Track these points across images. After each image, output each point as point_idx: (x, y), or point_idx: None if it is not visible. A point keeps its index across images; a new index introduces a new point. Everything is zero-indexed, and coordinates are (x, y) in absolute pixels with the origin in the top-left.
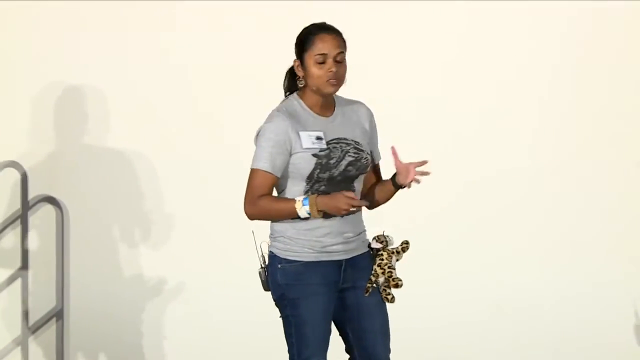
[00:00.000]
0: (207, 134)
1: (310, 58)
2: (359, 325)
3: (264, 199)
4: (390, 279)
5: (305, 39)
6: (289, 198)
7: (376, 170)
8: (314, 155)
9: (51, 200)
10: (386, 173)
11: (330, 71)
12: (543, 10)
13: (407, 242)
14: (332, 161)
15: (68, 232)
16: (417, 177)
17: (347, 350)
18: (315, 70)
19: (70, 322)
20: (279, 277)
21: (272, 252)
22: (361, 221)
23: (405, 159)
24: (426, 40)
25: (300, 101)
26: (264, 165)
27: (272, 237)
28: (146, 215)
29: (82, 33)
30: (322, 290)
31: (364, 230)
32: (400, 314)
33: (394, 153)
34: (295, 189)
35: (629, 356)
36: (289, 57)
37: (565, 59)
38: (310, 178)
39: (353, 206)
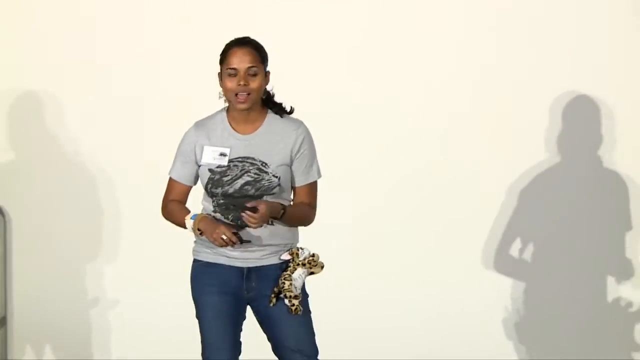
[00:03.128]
0: (165, 136)
1: (224, 71)
2: (272, 335)
3: (170, 204)
4: (282, 289)
5: (222, 53)
6: (186, 210)
7: (306, 190)
8: (209, 170)
9: None
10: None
11: (239, 84)
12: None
13: (313, 255)
14: (225, 178)
15: (11, 239)
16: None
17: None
18: (227, 84)
19: (13, 330)
20: (190, 276)
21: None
22: (279, 234)
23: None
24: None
25: (224, 115)
26: (172, 173)
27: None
28: (90, 223)
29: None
30: (216, 290)
31: (282, 244)
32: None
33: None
34: (206, 198)
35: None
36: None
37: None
38: (207, 191)
39: (225, 241)
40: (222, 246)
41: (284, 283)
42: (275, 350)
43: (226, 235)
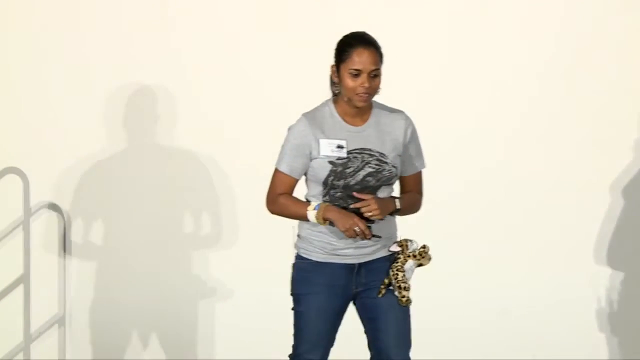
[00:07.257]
0: (212, 135)
1: (345, 70)
2: (373, 325)
3: (282, 197)
4: (395, 281)
5: (343, 49)
6: (304, 201)
7: (415, 179)
8: (330, 162)
9: (53, 206)
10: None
11: (363, 86)
12: (537, 7)
13: (424, 246)
14: (348, 170)
15: (70, 238)
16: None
17: (370, 347)
18: (349, 82)
19: (72, 329)
20: (293, 272)
21: (296, 249)
22: (386, 226)
23: None
24: (419, 38)
25: (332, 107)
26: (282, 167)
27: (297, 234)
28: (148, 221)
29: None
30: (324, 290)
31: (388, 236)
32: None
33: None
34: (314, 192)
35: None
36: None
37: (559, 57)
38: (325, 183)
39: (357, 234)
40: (351, 237)
41: (396, 274)
42: (374, 342)
43: (360, 227)
